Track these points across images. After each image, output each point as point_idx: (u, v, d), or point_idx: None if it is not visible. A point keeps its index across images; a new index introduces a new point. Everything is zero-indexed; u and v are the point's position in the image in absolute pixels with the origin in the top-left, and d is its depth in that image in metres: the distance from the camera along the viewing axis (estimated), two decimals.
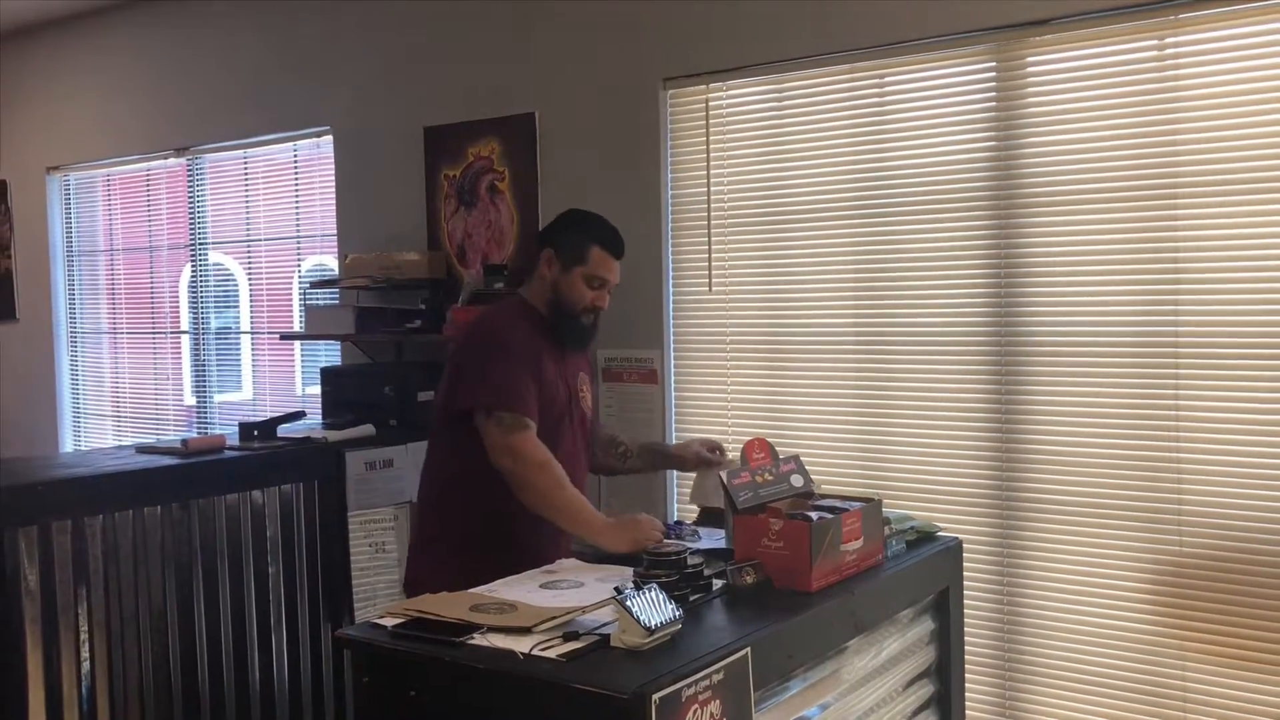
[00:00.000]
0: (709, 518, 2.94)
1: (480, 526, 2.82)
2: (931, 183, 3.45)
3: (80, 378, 6.32)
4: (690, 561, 2.28)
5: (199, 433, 5.60)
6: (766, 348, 3.82)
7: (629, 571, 2.30)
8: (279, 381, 5.49)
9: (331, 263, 5.05)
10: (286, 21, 5.07)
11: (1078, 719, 3.25)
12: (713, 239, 3.89)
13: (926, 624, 2.71)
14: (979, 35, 3.32)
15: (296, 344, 5.30)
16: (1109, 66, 3.15)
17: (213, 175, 5.61)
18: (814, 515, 2.36)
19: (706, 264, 3.91)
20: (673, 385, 4.00)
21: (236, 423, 3.97)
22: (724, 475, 2.49)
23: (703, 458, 3.06)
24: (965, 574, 2.92)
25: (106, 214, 6.16)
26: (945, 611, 2.75)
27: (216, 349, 5.69)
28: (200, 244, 5.66)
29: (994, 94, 3.33)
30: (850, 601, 2.32)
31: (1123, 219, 3.14)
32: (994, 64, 3.32)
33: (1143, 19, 3.07)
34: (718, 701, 1.87)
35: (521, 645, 1.94)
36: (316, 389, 4.73)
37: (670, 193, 3.97)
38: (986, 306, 3.37)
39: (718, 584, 2.30)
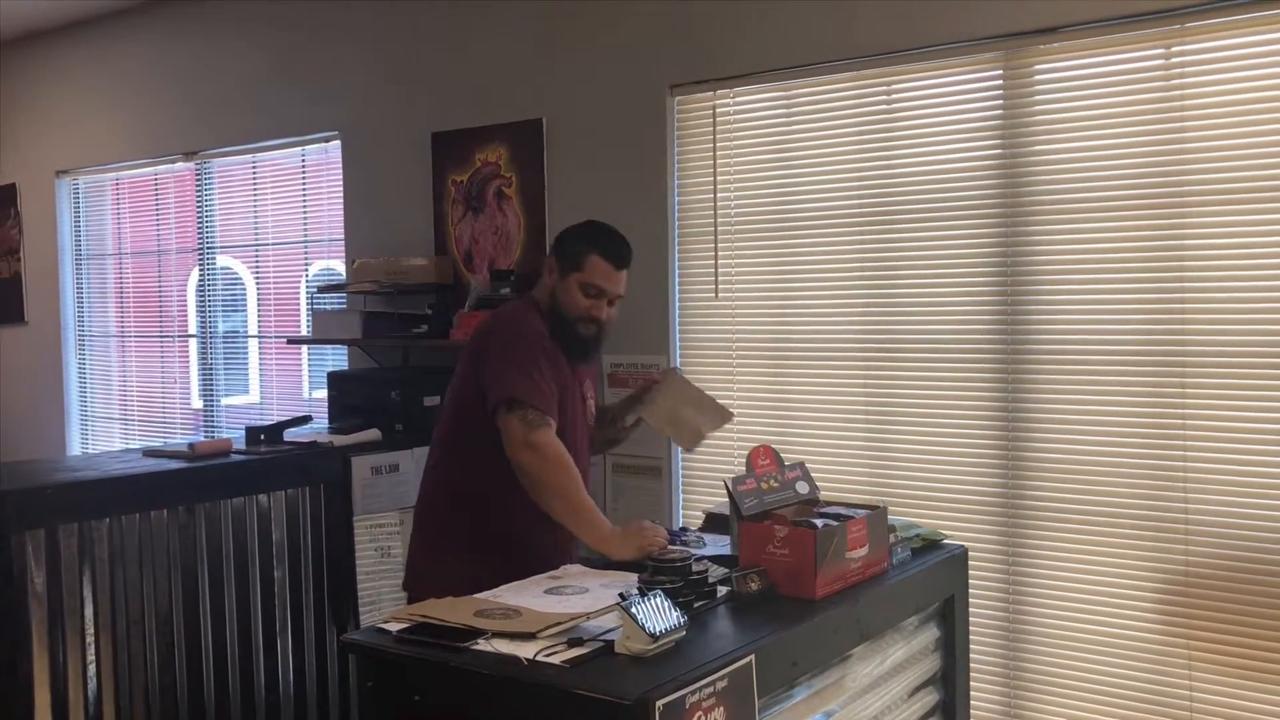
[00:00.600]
0: (714, 524, 2.94)
1: (485, 530, 2.82)
2: (938, 190, 3.45)
3: (88, 381, 6.34)
4: (695, 568, 2.28)
5: (205, 436, 5.61)
6: (772, 354, 3.82)
7: (634, 577, 2.30)
8: (286, 386, 5.50)
9: (339, 267, 5.07)
10: (295, 27, 5.09)
11: None
12: (719, 245, 3.90)
13: (931, 632, 2.71)
14: (987, 43, 3.32)
15: (303, 348, 5.32)
16: (1116, 75, 3.15)
17: (221, 180, 5.62)
18: (819, 522, 2.36)
19: (713, 270, 3.91)
20: None
21: (243, 427, 3.98)
22: (730, 482, 2.48)
23: (633, 398, 3.10)
24: (970, 582, 2.91)
25: (115, 218, 6.19)
26: (950, 619, 2.75)
27: (224, 353, 5.71)
28: (208, 248, 5.68)
29: (1001, 102, 3.33)
30: (855, 609, 2.32)
31: (1129, 227, 3.13)
32: (1001, 72, 3.33)
33: (1150, 28, 3.07)
34: (722, 708, 1.87)
35: (526, 651, 1.94)
36: (323, 393, 4.74)
37: (677, 199, 3.98)
38: (993, 314, 3.37)
39: (722, 591, 2.30)
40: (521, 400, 2.67)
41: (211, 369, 5.72)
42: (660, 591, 2.04)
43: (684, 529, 2.98)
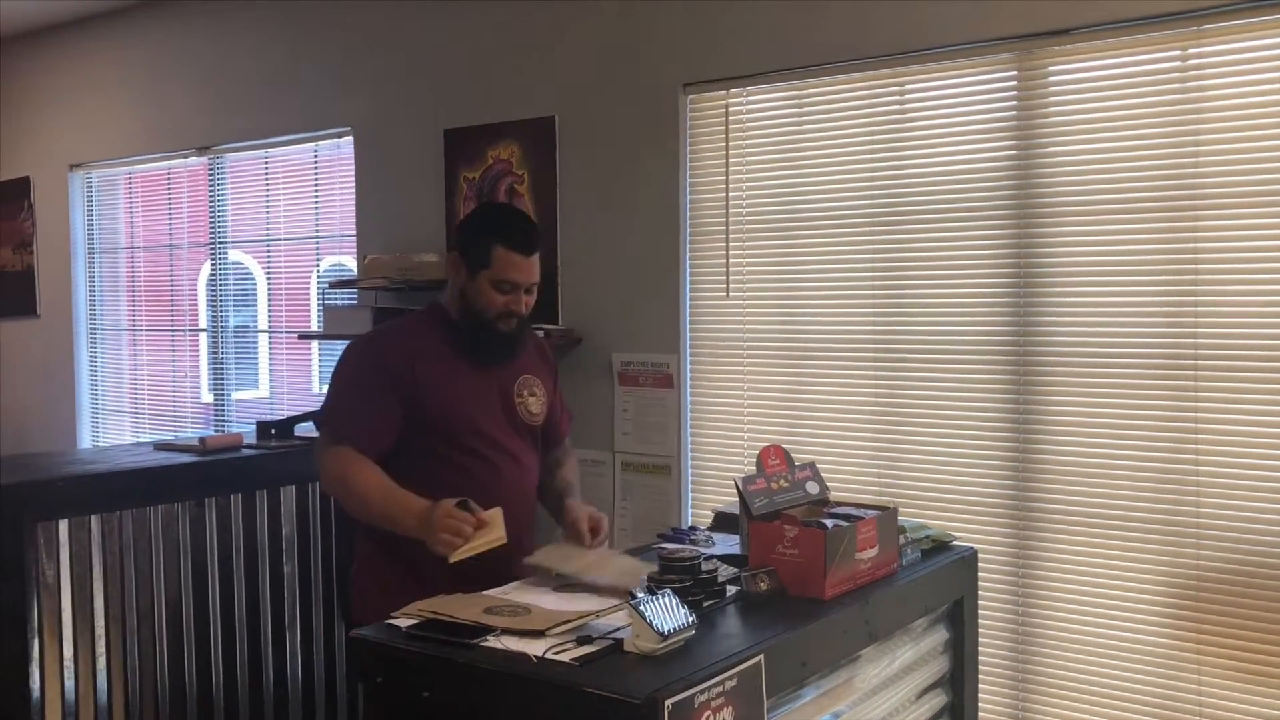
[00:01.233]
0: (724, 524, 2.94)
1: (417, 552, 2.55)
2: (951, 191, 3.44)
3: (99, 374, 6.35)
4: (704, 567, 2.28)
5: (216, 430, 5.63)
6: (783, 354, 3.81)
7: (644, 576, 2.30)
8: (296, 380, 5.51)
9: (350, 263, 5.07)
10: (309, 22, 5.10)
11: None
12: (731, 244, 3.89)
13: (940, 633, 2.71)
14: (1000, 44, 3.31)
15: (314, 343, 5.33)
16: (1131, 76, 3.13)
17: (233, 175, 5.63)
18: (829, 523, 2.36)
19: (724, 269, 3.91)
20: (689, 390, 3.99)
21: (253, 421, 3.99)
22: (739, 481, 2.48)
23: (576, 528, 2.68)
24: (980, 584, 2.91)
25: (128, 212, 6.20)
26: (959, 621, 2.74)
27: (234, 347, 5.72)
28: (220, 243, 5.69)
29: (1015, 102, 3.32)
30: (864, 610, 2.31)
31: (1143, 230, 3.12)
32: (1015, 72, 3.32)
33: (1166, 29, 3.05)
34: (730, 708, 1.87)
35: (535, 648, 1.94)
36: None
37: (689, 197, 3.97)
38: (1005, 316, 3.36)
39: (731, 590, 2.30)
40: (333, 436, 2.66)
41: (222, 363, 5.73)
42: (670, 590, 2.04)
43: (693, 528, 2.97)
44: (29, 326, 6.55)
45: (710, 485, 3.97)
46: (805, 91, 3.72)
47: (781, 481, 2.52)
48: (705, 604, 2.20)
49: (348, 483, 2.61)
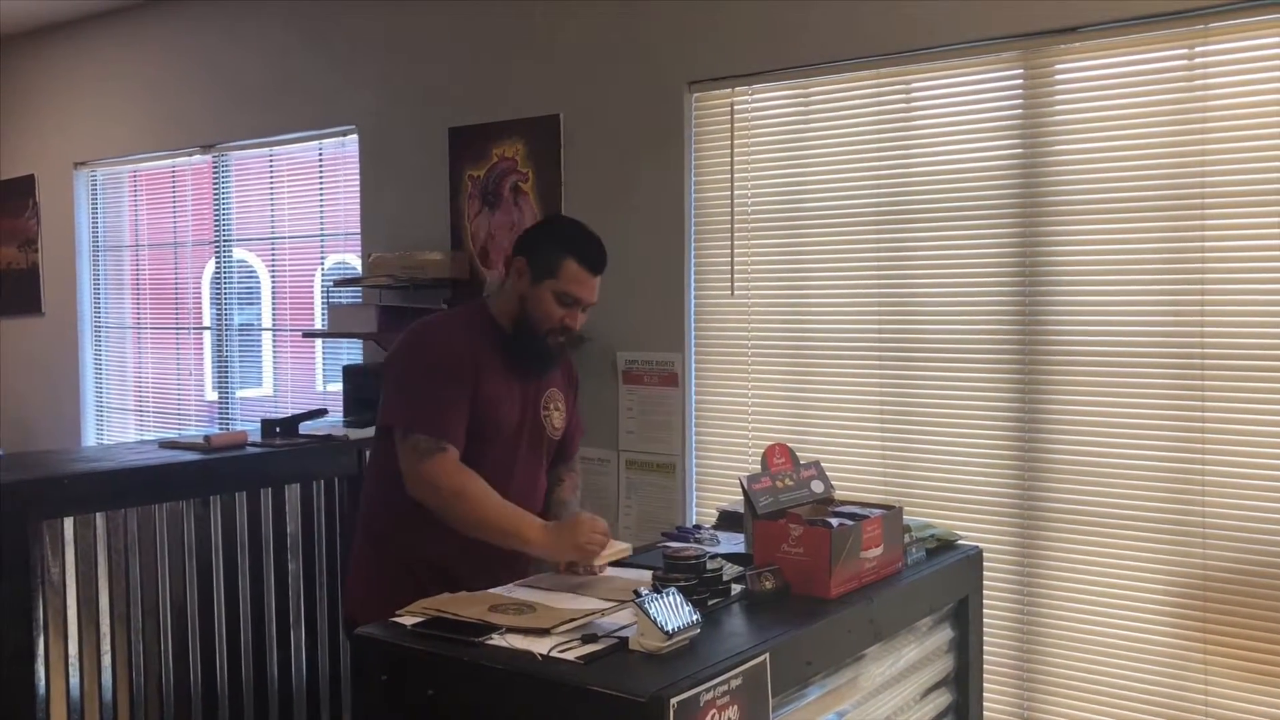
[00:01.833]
0: (728, 522, 2.93)
1: (424, 552, 2.61)
2: (957, 190, 3.43)
3: (104, 372, 6.36)
4: (709, 566, 2.28)
5: (220, 428, 5.63)
6: (788, 352, 3.81)
7: (648, 575, 2.30)
8: (300, 378, 5.52)
9: (354, 261, 5.08)
10: (313, 20, 5.10)
11: None
12: (735, 243, 3.89)
13: (945, 632, 2.70)
14: (1007, 42, 3.30)
15: (318, 341, 5.33)
16: (1138, 75, 3.13)
17: (238, 172, 5.64)
18: (834, 522, 2.36)
19: (729, 267, 3.90)
20: (693, 389, 3.99)
21: (258, 419, 3.99)
22: (744, 480, 2.48)
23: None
24: (985, 583, 2.91)
25: (132, 209, 6.21)
26: (964, 620, 2.74)
27: (239, 345, 5.73)
28: (224, 241, 5.69)
29: (1021, 101, 3.31)
30: (869, 608, 2.31)
31: (1150, 228, 3.12)
32: (1022, 71, 3.31)
33: (1172, 28, 3.05)
34: (736, 706, 1.87)
35: (540, 646, 1.94)
36: (337, 386, 4.75)
37: (694, 196, 3.97)
38: (1010, 314, 3.35)
39: (736, 589, 2.29)
40: (413, 426, 2.52)
41: (226, 361, 5.74)
42: (675, 589, 2.04)
43: (698, 526, 2.97)
44: (34, 324, 6.55)
45: (715, 484, 3.97)
46: (810, 89, 3.72)
47: (786, 480, 2.52)
48: (710, 603, 2.20)
49: (463, 494, 2.49)
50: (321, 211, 5.27)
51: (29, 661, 2.99)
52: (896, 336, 3.57)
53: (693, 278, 3.99)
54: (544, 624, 2.04)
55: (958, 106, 3.44)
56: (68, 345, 6.38)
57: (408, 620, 2.12)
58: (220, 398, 5.78)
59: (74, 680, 3.09)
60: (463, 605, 2.17)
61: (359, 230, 4.97)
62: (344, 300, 4.90)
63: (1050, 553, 3.31)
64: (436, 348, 2.61)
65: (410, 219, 4.75)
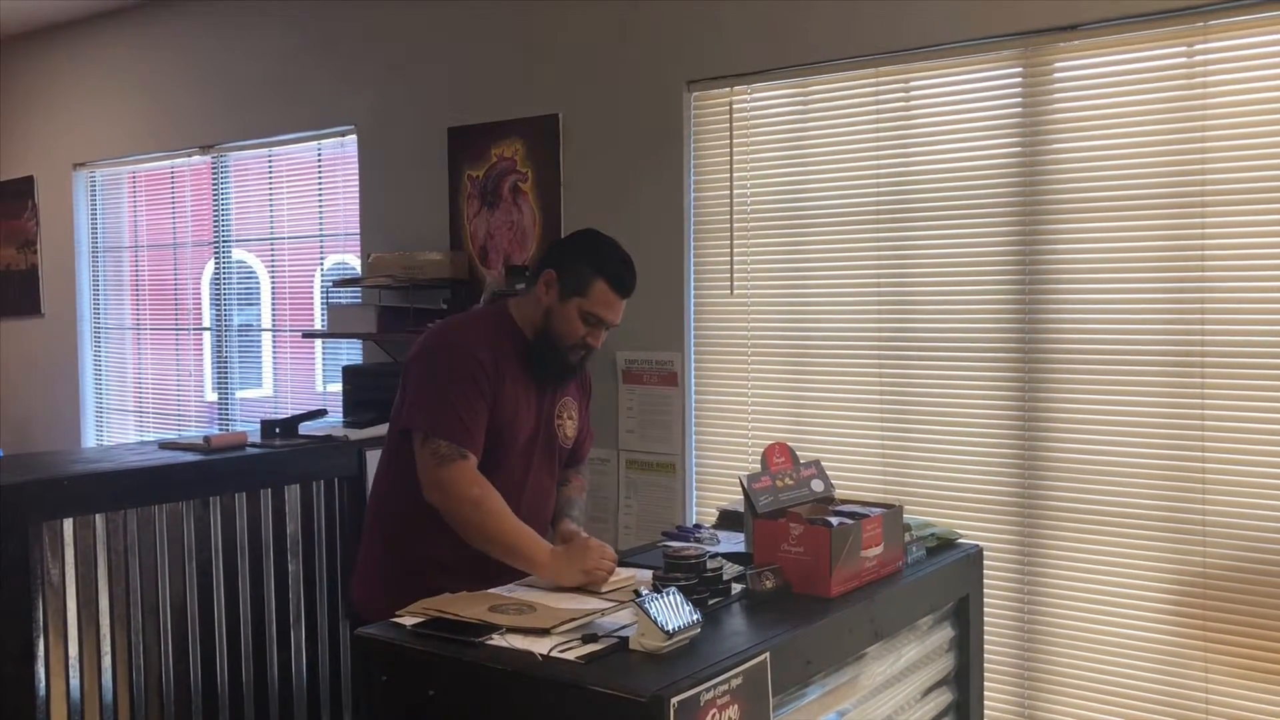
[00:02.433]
0: (728, 521, 2.93)
1: (431, 553, 2.60)
2: (956, 188, 3.43)
3: (103, 373, 6.36)
4: (709, 565, 2.28)
5: (219, 428, 5.63)
6: (788, 352, 3.81)
7: (648, 574, 2.30)
8: (300, 379, 5.51)
9: (354, 261, 5.07)
10: (312, 21, 5.10)
11: None
12: (735, 242, 3.89)
13: (946, 631, 2.70)
14: (1006, 40, 3.30)
15: (318, 342, 5.33)
16: (1138, 73, 3.13)
17: (237, 173, 5.64)
18: (834, 521, 2.36)
19: (729, 266, 3.90)
20: (693, 388, 3.99)
21: (258, 420, 3.99)
22: (744, 479, 2.48)
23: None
24: (986, 581, 2.90)
25: (131, 210, 6.21)
26: (965, 619, 2.74)
27: (238, 346, 5.73)
28: (224, 241, 5.69)
29: (1020, 99, 3.31)
30: (870, 608, 2.31)
31: (1150, 227, 3.12)
32: (1021, 69, 3.31)
33: (1172, 25, 3.04)
34: (736, 706, 1.87)
35: (540, 646, 1.94)
36: (337, 387, 4.75)
37: (693, 195, 3.97)
38: (1010, 313, 3.35)
39: (737, 588, 2.29)
40: (433, 431, 2.50)
41: (226, 362, 5.74)
42: (675, 589, 2.04)
43: (698, 526, 2.97)
44: (33, 326, 6.55)
45: (715, 483, 3.97)
46: (809, 88, 3.72)
47: (786, 479, 2.52)
48: (710, 602, 2.20)
49: (480, 505, 2.48)
50: (321, 212, 5.26)
51: (29, 662, 2.99)
52: (896, 335, 3.56)
53: (692, 277, 3.99)
54: (544, 624, 2.04)
55: (957, 105, 3.43)
56: (67, 346, 6.38)
57: (408, 620, 2.12)
58: (220, 398, 5.78)
59: (74, 681, 3.09)
60: (463, 605, 2.17)
61: (358, 230, 4.97)
62: (343, 301, 4.89)
63: (1051, 551, 3.30)
64: (461, 352, 2.58)
65: (409, 219, 4.75)
